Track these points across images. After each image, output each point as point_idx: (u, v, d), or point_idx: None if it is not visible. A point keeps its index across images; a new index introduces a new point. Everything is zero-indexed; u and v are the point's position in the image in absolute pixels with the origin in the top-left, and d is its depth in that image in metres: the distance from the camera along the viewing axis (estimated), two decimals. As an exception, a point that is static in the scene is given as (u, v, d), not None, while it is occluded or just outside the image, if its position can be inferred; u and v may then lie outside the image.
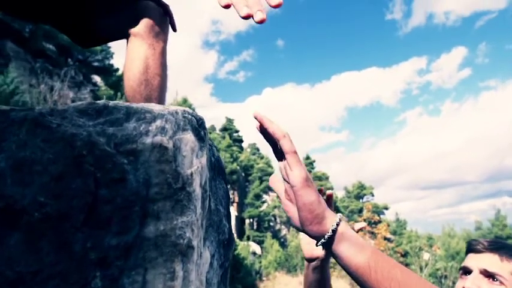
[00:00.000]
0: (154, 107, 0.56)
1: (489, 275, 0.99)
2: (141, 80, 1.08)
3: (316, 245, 0.62)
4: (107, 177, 0.48)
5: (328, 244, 0.61)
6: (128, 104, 0.54)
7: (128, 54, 1.13)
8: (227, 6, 0.53)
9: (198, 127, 0.60)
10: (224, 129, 42.93)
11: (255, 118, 0.63)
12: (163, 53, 1.14)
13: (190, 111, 0.59)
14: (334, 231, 0.60)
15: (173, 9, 1.22)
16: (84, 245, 0.46)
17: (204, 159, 0.59)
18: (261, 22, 0.51)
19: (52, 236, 0.45)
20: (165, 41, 1.15)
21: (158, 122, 0.53)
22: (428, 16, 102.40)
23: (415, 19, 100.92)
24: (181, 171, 0.53)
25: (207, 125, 0.64)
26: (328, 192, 0.91)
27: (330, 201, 0.90)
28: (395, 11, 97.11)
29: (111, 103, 0.53)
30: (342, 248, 0.60)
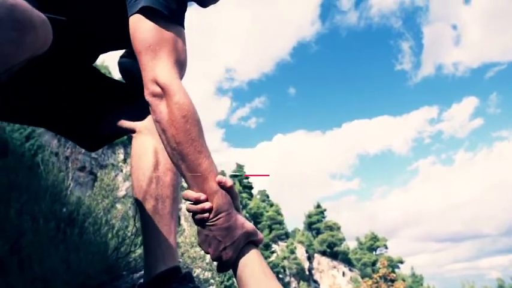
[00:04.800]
0: None
1: None
2: (150, 179, 0.99)
3: None
4: None
5: None
6: None
7: (135, 151, 1.03)
8: None
9: None
10: (234, 175, 42.58)
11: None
12: None
13: None
14: None
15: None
16: None
17: None
18: None
19: None
20: None
21: None
22: (437, 67, 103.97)
23: (424, 70, 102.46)
24: None
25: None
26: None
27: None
28: (405, 62, 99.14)
29: None
30: None
